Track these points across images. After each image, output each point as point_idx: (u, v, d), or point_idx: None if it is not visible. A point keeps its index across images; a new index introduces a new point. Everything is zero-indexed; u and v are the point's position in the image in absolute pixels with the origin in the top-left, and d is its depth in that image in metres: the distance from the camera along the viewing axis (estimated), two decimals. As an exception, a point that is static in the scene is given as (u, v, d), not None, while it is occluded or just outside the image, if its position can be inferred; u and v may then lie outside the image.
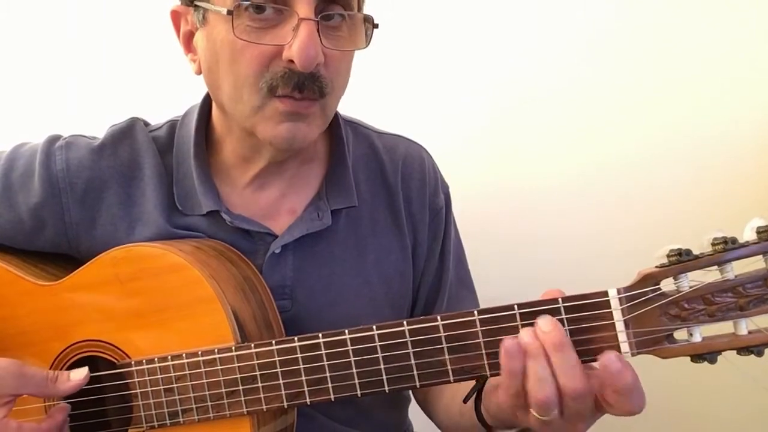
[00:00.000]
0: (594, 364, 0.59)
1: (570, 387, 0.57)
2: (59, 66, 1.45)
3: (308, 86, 0.71)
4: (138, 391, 0.73)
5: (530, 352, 0.58)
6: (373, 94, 1.25)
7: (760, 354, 0.56)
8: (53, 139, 0.85)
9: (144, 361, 0.72)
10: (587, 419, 0.60)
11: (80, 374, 0.71)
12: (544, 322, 0.59)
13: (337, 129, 0.87)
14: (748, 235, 0.56)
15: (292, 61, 0.69)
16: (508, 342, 0.59)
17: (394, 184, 0.89)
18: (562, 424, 0.59)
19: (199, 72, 0.78)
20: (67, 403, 0.74)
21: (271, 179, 0.84)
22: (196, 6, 0.74)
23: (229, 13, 0.69)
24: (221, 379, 0.69)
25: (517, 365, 0.58)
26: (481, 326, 0.61)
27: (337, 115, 0.87)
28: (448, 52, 1.30)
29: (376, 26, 0.76)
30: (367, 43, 0.76)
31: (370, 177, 0.89)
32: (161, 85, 1.35)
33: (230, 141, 0.82)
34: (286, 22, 0.70)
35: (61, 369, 0.76)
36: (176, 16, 0.79)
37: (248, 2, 0.69)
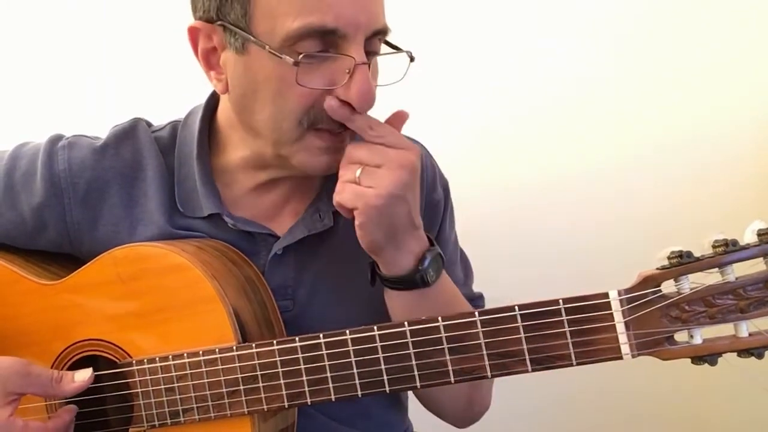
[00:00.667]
0: None
1: None
2: (62, 66, 1.45)
3: None
4: (139, 390, 0.73)
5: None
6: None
7: (760, 356, 0.56)
8: (56, 139, 0.85)
9: (145, 360, 0.72)
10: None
11: (84, 375, 0.71)
12: None
13: None
14: (748, 237, 0.56)
15: (345, 101, 0.70)
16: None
17: None
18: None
19: (225, 92, 0.77)
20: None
21: (275, 183, 0.84)
22: (226, 28, 0.72)
23: (296, 64, 0.68)
24: (222, 378, 0.69)
25: None
26: (482, 327, 0.62)
27: None
28: (449, 52, 1.30)
29: (412, 59, 0.77)
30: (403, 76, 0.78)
31: None
32: (164, 85, 1.35)
33: (243, 149, 0.81)
34: (338, 62, 0.70)
35: (62, 368, 0.77)
36: (194, 33, 0.76)
37: (309, 53, 0.69)
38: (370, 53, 0.73)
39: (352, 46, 0.69)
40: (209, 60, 0.76)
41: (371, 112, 0.79)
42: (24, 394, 0.70)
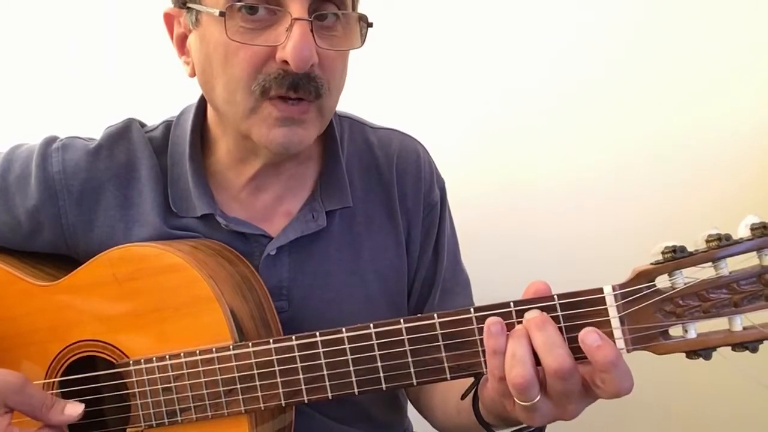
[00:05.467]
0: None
1: (553, 365, 0.57)
2: (57, 67, 1.45)
3: (303, 86, 0.71)
4: (136, 390, 0.73)
5: (512, 332, 0.59)
6: (374, 94, 1.26)
7: (754, 350, 0.56)
8: (49, 141, 0.85)
9: (142, 360, 0.72)
10: (577, 401, 0.59)
11: (75, 410, 0.70)
12: (529, 311, 0.60)
13: (330, 128, 0.87)
14: (742, 232, 0.56)
15: (286, 62, 0.69)
16: (490, 320, 0.60)
17: (388, 180, 0.89)
18: (551, 408, 0.59)
19: (192, 75, 0.78)
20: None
21: (267, 181, 0.84)
22: (188, 8, 0.74)
23: (222, 14, 0.69)
24: (219, 378, 0.70)
25: (498, 343, 0.59)
26: (477, 324, 0.62)
27: None
28: (448, 52, 1.30)
29: (370, 25, 0.76)
30: (362, 42, 0.76)
31: (365, 174, 0.89)
32: (158, 85, 1.35)
33: (225, 142, 0.82)
34: (280, 23, 0.70)
35: (59, 369, 0.77)
36: (169, 19, 0.79)
37: (240, 3, 0.69)
38: (323, 15, 0.71)
39: (293, 2, 0.69)
40: (182, 46, 0.79)
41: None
42: (14, 410, 0.68)
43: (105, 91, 1.42)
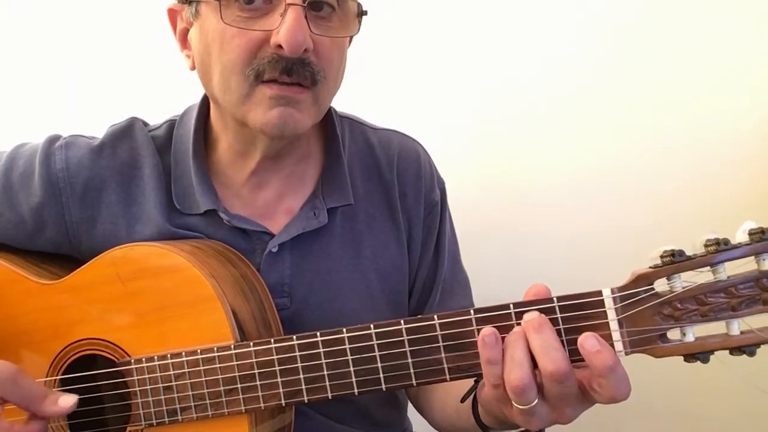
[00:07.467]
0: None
1: (549, 368, 0.57)
2: (59, 66, 1.45)
3: (297, 71, 0.71)
4: (137, 389, 0.73)
5: (510, 334, 0.59)
6: (373, 94, 1.26)
7: (751, 354, 0.57)
8: (53, 139, 0.85)
9: (143, 359, 0.73)
10: (574, 405, 0.59)
11: (68, 401, 0.68)
12: (528, 313, 0.60)
13: (332, 126, 0.88)
14: (740, 237, 0.56)
15: (280, 47, 0.70)
16: (484, 331, 0.60)
17: (389, 179, 0.90)
18: (548, 412, 0.60)
19: (193, 68, 0.79)
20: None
21: (268, 177, 0.84)
22: (189, 2, 0.76)
23: None
24: (220, 377, 0.70)
25: (493, 354, 0.59)
26: (477, 325, 0.62)
27: (332, 112, 0.88)
28: (447, 50, 1.30)
29: (364, 13, 0.77)
30: (357, 29, 0.77)
31: (366, 173, 0.90)
32: (161, 85, 1.35)
33: (226, 137, 0.83)
34: (275, 10, 0.71)
35: (60, 367, 0.77)
36: (173, 14, 0.81)
37: None
38: (318, 7, 0.72)
39: None
40: (184, 40, 0.80)
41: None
42: (6, 401, 0.67)
43: (108, 90, 1.43)
